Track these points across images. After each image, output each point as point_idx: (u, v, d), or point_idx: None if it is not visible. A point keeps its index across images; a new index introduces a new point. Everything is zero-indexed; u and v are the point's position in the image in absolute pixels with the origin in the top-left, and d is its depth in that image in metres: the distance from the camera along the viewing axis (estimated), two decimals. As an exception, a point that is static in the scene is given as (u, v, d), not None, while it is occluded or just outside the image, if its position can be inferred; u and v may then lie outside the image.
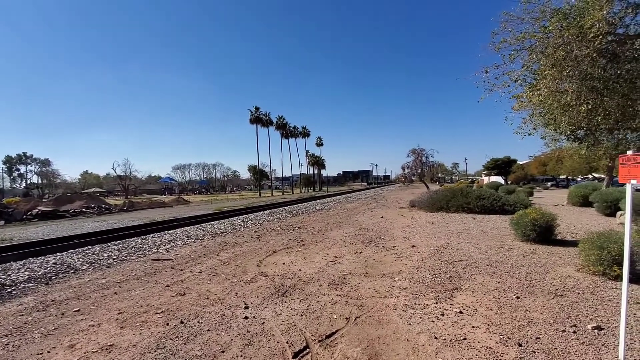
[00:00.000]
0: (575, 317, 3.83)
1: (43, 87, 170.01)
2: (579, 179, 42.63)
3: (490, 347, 3.24)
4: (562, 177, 45.65)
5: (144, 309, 4.67)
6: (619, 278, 4.85)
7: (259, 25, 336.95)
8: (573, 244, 7.66)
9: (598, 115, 8.32)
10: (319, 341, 3.51)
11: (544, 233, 7.89)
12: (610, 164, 18.95)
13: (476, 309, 4.20)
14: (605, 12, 6.64)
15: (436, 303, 4.47)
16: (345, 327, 3.85)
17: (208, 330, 3.88)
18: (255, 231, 12.07)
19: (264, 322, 4.03)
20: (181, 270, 6.83)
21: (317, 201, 30.54)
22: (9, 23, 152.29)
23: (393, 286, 5.26)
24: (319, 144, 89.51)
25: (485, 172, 60.54)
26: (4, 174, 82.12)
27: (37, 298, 5.42)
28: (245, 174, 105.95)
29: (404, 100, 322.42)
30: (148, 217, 22.89)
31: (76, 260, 8.06)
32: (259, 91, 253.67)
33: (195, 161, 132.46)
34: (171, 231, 12.84)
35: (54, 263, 7.72)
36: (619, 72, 7.61)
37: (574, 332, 3.46)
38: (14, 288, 6.01)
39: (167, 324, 4.07)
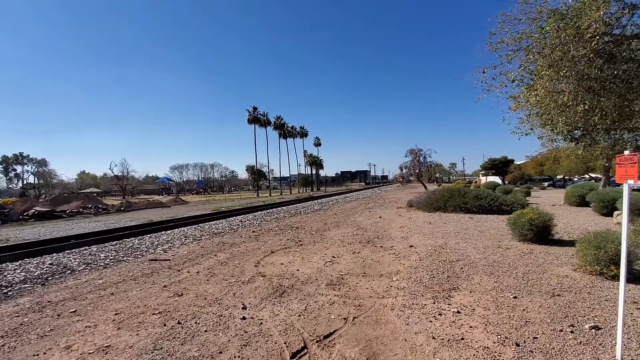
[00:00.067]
0: (573, 317, 3.84)
1: (40, 87, 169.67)
2: (575, 179, 42.77)
3: (487, 347, 3.24)
4: (559, 177, 45.81)
5: (141, 309, 4.65)
6: (616, 278, 4.87)
7: (258, 25, 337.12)
8: (570, 243, 7.69)
9: (595, 115, 8.35)
10: (317, 341, 3.51)
11: (541, 233, 7.92)
12: (607, 164, 19.04)
13: (474, 309, 4.21)
14: (602, 12, 6.67)
15: (434, 303, 4.47)
16: (343, 327, 3.84)
17: (205, 330, 3.86)
18: (253, 231, 12.05)
19: (261, 323, 4.02)
20: (179, 270, 6.80)
21: (315, 201, 30.52)
22: (6, 22, 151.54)
23: (391, 286, 5.26)
24: (317, 144, 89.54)
25: (482, 172, 60.62)
26: (0, 175, 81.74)
27: (33, 299, 5.38)
28: (243, 174, 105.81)
29: (402, 100, 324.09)
30: (145, 217, 22.81)
31: (73, 260, 8.02)
32: (257, 91, 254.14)
33: (193, 161, 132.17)
34: (169, 231, 12.80)
35: (50, 264, 7.68)
36: (615, 72, 7.65)
37: (572, 332, 3.47)
38: (9, 289, 5.97)
39: (164, 325, 4.05)
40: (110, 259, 8.16)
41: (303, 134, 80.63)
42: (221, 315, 4.29)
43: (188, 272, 6.65)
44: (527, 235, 7.97)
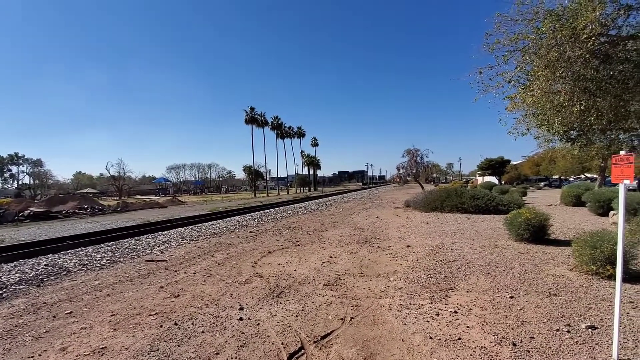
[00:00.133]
0: (569, 317, 3.86)
1: (36, 88, 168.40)
2: (571, 179, 42.99)
3: (484, 347, 3.25)
4: (555, 177, 46.05)
5: (137, 310, 4.63)
6: (612, 277, 4.89)
7: (255, 25, 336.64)
8: (566, 243, 7.72)
9: (591, 115, 8.40)
10: (314, 342, 3.50)
11: (537, 233, 7.94)
12: (602, 164, 19.16)
13: (471, 309, 4.21)
14: (598, 13, 6.71)
15: (431, 303, 4.47)
16: (341, 327, 3.84)
17: (202, 332, 3.84)
18: (251, 232, 12.03)
19: (259, 324, 4.01)
20: (175, 271, 6.78)
21: (313, 201, 30.51)
22: (1, 22, 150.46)
23: (388, 286, 5.26)
24: (314, 144, 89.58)
25: (479, 172, 60.86)
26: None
27: (28, 300, 5.34)
28: (240, 175, 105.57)
29: (400, 101, 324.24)
30: (142, 217, 22.71)
31: (68, 261, 7.97)
32: (254, 91, 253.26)
33: (190, 161, 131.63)
34: (165, 232, 12.75)
35: (45, 265, 7.62)
36: (611, 73, 7.69)
37: (568, 332, 3.48)
38: (4, 290, 5.91)
39: (161, 326, 4.03)
40: (107, 260, 8.12)
41: (300, 134, 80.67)
42: (218, 316, 4.28)
43: (185, 272, 6.62)
44: (524, 235, 7.99)
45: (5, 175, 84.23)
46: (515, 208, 12.01)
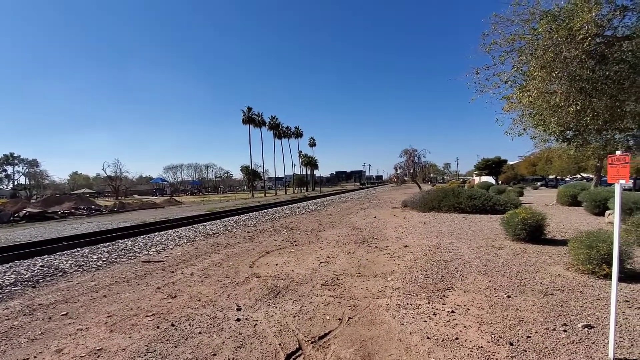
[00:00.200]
0: (566, 316, 3.87)
1: (31, 87, 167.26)
2: (567, 179, 43.21)
3: (481, 347, 3.25)
4: (551, 177, 46.26)
5: (134, 312, 4.60)
6: (608, 277, 4.92)
7: (255, 25, 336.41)
8: (562, 243, 7.75)
9: (587, 115, 8.45)
10: (312, 342, 3.50)
11: (533, 232, 7.97)
12: (598, 164, 19.25)
13: (468, 309, 4.22)
14: (593, 14, 6.75)
15: (428, 303, 4.48)
16: (338, 327, 3.83)
17: (199, 332, 3.83)
18: (248, 232, 12.01)
19: (256, 324, 4.00)
20: (172, 272, 6.75)
21: (310, 201, 30.51)
22: (0, 22, 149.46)
23: (386, 286, 5.26)
24: (312, 144, 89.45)
25: (476, 172, 61.06)
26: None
27: (23, 302, 5.30)
28: (238, 175, 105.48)
29: (398, 101, 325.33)
30: (139, 218, 22.63)
31: (64, 262, 7.93)
32: (253, 91, 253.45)
33: (188, 161, 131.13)
34: (162, 232, 12.71)
35: (41, 266, 7.57)
36: (607, 73, 7.74)
37: (565, 331, 3.49)
38: (-1, 292, 5.88)
39: (158, 327, 4.01)
40: (103, 261, 8.08)
41: (298, 134, 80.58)
42: (215, 317, 4.26)
43: (182, 273, 6.60)
44: (520, 235, 8.02)
45: (0, 175, 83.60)
46: (512, 208, 12.05)
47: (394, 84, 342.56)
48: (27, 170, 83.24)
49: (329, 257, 7.40)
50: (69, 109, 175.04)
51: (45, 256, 8.81)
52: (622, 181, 2.86)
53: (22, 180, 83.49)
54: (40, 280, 6.58)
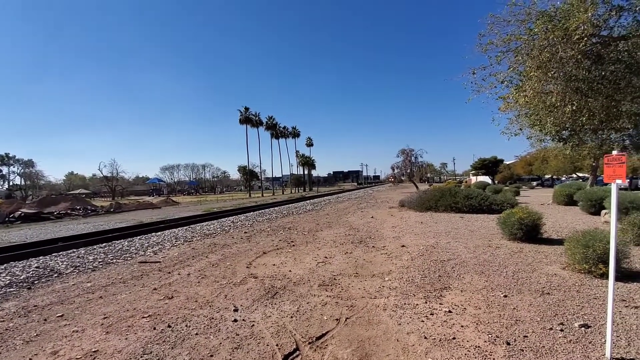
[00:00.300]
0: (562, 315, 3.88)
1: (27, 88, 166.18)
2: (563, 179, 43.46)
3: (479, 346, 3.26)
4: (547, 176, 46.52)
5: (130, 313, 4.58)
6: (604, 276, 4.94)
7: (255, 25, 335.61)
8: (559, 242, 7.79)
9: (583, 116, 8.48)
10: (309, 343, 3.49)
11: (530, 232, 8.01)
12: (594, 164, 19.41)
13: (465, 308, 4.23)
14: (589, 14, 6.76)
15: (426, 303, 4.48)
16: (336, 328, 3.83)
17: (196, 334, 3.81)
18: (245, 232, 11.98)
19: (253, 325, 3.99)
20: (169, 272, 6.72)
21: (308, 201, 30.49)
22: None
23: (383, 286, 5.26)
24: (309, 144, 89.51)
25: (473, 172, 61.23)
26: (-14, 176, 79.97)
27: (18, 303, 5.26)
28: (235, 175, 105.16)
29: (396, 101, 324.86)
30: (135, 218, 22.53)
31: (60, 263, 7.87)
32: (249, 91, 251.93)
33: (184, 162, 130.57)
34: (159, 233, 12.65)
35: (36, 267, 7.52)
36: (603, 73, 7.77)
37: (561, 330, 3.50)
38: (-6, 293, 5.82)
39: (154, 328, 3.99)
40: (99, 262, 8.03)
41: (295, 134, 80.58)
42: (212, 318, 4.24)
43: (179, 274, 6.57)
44: (517, 234, 8.05)
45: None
46: (509, 207, 12.09)
47: (393, 83, 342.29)
48: (22, 170, 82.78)
49: (326, 257, 7.39)
50: (65, 109, 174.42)
51: (41, 257, 8.74)
52: (619, 181, 2.86)
53: (18, 180, 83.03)
54: (36, 282, 6.53)
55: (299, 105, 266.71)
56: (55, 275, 6.98)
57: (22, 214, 25.29)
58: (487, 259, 6.69)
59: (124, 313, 4.58)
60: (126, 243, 10.50)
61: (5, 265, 7.85)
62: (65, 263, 7.89)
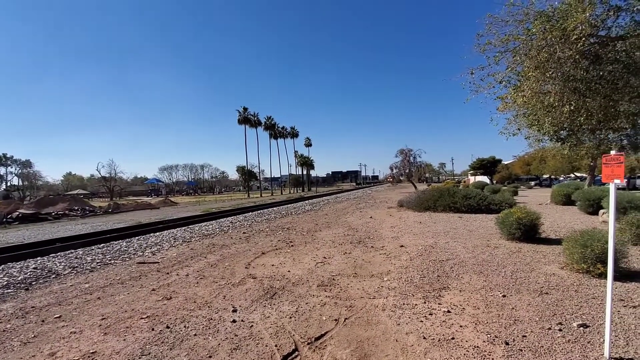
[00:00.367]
0: (561, 315, 3.89)
1: (26, 88, 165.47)
2: (561, 178, 43.56)
3: (477, 346, 3.26)
4: (545, 176, 46.62)
5: (129, 314, 4.56)
6: (602, 276, 4.95)
7: (255, 25, 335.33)
8: (557, 242, 7.80)
9: (580, 115, 8.51)
10: (308, 343, 3.48)
11: (528, 232, 8.01)
12: (592, 164, 19.44)
13: (464, 308, 4.23)
14: (587, 14, 6.78)
15: (424, 303, 4.48)
16: (335, 328, 3.82)
17: (195, 334, 3.80)
18: (244, 232, 11.96)
19: (252, 326, 3.98)
20: (167, 273, 6.70)
21: (306, 202, 30.48)
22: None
23: (382, 286, 5.26)
24: (308, 144, 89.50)
25: (471, 171, 61.39)
26: (-17, 176, 79.64)
27: (16, 304, 5.23)
28: (233, 175, 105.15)
29: (394, 101, 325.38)
30: (134, 219, 22.48)
31: (58, 264, 7.84)
32: (248, 91, 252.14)
33: (183, 162, 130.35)
34: (157, 233, 12.63)
35: (34, 268, 7.49)
36: (601, 73, 7.79)
37: (560, 330, 3.51)
38: (-9, 294, 5.79)
39: (153, 329, 3.98)
40: (97, 262, 8.00)
41: (294, 134, 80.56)
42: (211, 319, 4.23)
43: (177, 274, 6.55)
44: (515, 234, 8.06)
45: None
46: (507, 207, 12.11)
47: (393, 84, 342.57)
48: (20, 171, 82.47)
49: (325, 258, 7.39)
50: (64, 109, 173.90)
51: (39, 258, 8.71)
52: (617, 180, 2.87)
53: (15, 181, 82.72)
54: (33, 283, 6.50)
55: (298, 105, 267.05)
56: (53, 276, 6.96)
57: (20, 215, 25.22)
58: (486, 258, 6.69)
59: (122, 314, 4.56)
60: (124, 244, 10.47)
61: (2, 266, 7.82)
62: (63, 264, 7.86)
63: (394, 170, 36.60)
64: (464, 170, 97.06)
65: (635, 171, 33.04)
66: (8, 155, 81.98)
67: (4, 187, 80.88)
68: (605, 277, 2.97)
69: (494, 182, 49.63)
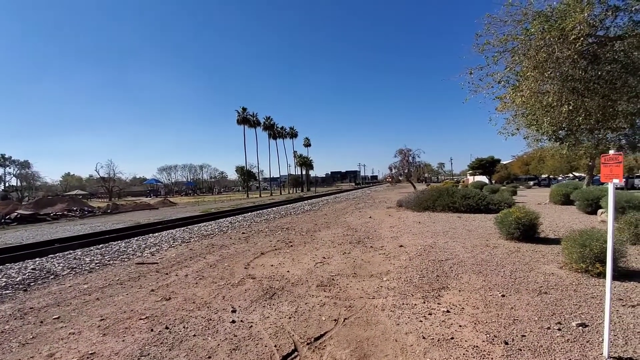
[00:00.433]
0: (560, 315, 3.89)
1: (26, 88, 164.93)
2: (560, 178, 43.64)
3: (477, 346, 3.26)
4: (544, 176, 46.71)
5: (128, 314, 4.55)
6: (601, 275, 4.96)
7: (255, 25, 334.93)
8: (556, 241, 7.81)
9: (579, 115, 8.53)
10: (308, 344, 3.48)
11: (527, 231, 8.02)
12: (590, 163, 19.47)
13: (463, 308, 4.23)
14: (586, 14, 6.80)
15: (424, 303, 4.48)
16: (334, 328, 3.82)
17: (194, 335, 3.79)
18: (243, 233, 11.95)
19: (251, 326, 3.97)
20: (166, 274, 6.69)
21: (306, 202, 30.49)
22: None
23: (381, 286, 5.26)
24: (307, 144, 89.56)
25: (470, 171, 61.50)
26: (-19, 177, 79.41)
27: (14, 305, 5.22)
28: (232, 175, 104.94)
29: (394, 101, 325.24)
30: (132, 219, 22.45)
31: (56, 265, 7.83)
32: (248, 91, 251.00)
33: (182, 162, 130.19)
34: (156, 234, 12.61)
35: (32, 268, 7.47)
36: (599, 73, 7.81)
37: (559, 330, 3.51)
38: (-10, 295, 5.78)
39: (152, 330, 3.97)
40: (96, 263, 7.99)
41: (293, 134, 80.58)
42: (210, 319, 4.23)
43: (176, 275, 6.54)
44: (514, 234, 8.06)
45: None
46: (506, 207, 12.12)
47: (392, 83, 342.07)
48: (18, 171, 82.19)
49: (324, 258, 7.38)
50: (64, 109, 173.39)
51: (37, 259, 8.70)
52: (616, 180, 2.87)
53: (14, 181, 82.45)
54: (32, 284, 6.49)
55: (298, 105, 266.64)
56: (52, 277, 6.94)
57: (18, 216, 25.16)
58: (485, 258, 6.70)
59: (121, 315, 4.56)
60: (123, 244, 10.46)
61: (1, 267, 7.81)
62: (61, 264, 7.85)
63: (393, 170, 36.59)
64: (463, 170, 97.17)
65: (634, 171, 33.13)
66: (6, 156, 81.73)
67: (2, 187, 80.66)
68: (604, 277, 2.98)
69: (493, 182, 49.72)
